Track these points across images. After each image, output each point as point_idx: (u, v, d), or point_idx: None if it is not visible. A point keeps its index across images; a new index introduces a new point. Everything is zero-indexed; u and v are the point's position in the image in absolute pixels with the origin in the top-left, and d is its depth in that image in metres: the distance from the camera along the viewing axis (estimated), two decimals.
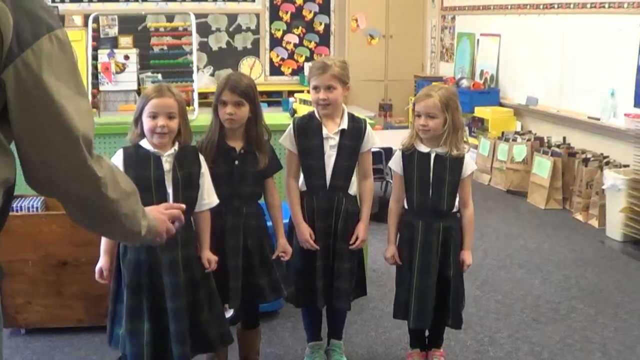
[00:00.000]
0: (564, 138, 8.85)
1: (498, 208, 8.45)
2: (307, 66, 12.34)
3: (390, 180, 5.61)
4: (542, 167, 8.44)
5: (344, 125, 4.24)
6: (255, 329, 4.40)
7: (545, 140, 8.98)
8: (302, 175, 4.32)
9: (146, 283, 3.67)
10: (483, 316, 5.34)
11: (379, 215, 6.24)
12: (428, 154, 4.19)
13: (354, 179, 4.34)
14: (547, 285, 5.98)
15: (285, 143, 4.31)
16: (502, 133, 9.55)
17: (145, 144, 3.72)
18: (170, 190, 3.69)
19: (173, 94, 3.72)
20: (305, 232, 4.22)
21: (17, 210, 4.82)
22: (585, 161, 7.91)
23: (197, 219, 3.89)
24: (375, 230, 5.92)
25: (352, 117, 4.32)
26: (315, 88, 4.20)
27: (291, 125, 4.32)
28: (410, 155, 4.24)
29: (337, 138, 4.23)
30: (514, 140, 9.19)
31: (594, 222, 7.64)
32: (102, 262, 3.75)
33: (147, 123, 3.67)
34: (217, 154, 4.00)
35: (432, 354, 4.56)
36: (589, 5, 8.47)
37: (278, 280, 4.15)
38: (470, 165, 4.27)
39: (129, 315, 3.67)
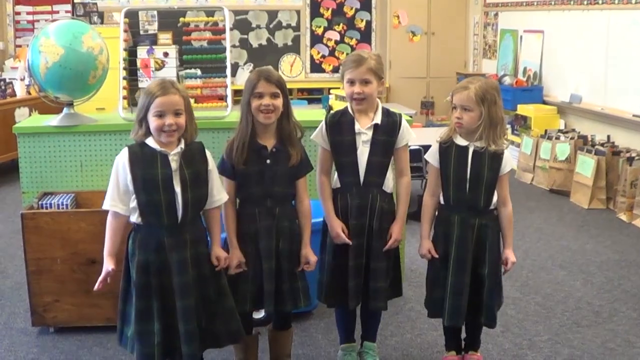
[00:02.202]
0: (608, 136, 8.71)
1: (540, 208, 8.32)
2: None
3: None
4: (586, 166, 8.29)
5: (377, 120, 4.13)
6: (287, 331, 4.32)
7: (589, 139, 8.85)
8: (335, 172, 4.22)
9: (155, 284, 3.63)
10: (522, 319, 5.22)
11: (418, 214, 6.14)
12: (466, 148, 4.08)
13: (390, 175, 4.23)
14: (589, 288, 5.84)
15: (317, 139, 4.21)
16: (545, 131, 9.45)
17: (151, 142, 3.65)
18: (178, 189, 3.62)
19: (178, 90, 3.66)
20: (337, 226, 4.12)
21: (46, 208, 4.80)
22: (630, 160, 7.78)
23: (208, 216, 3.86)
24: (415, 230, 5.80)
25: (386, 112, 4.20)
26: (350, 82, 4.09)
27: (323, 122, 4.22)
28: (447, 148, 4.13)
29: (369, 133, 4.11)
30: (557, 138, 9.07)
31: (639, 223, 7.49)
32: (110, 266, 3.64)
33: (153, 122, 3.59)
34: (248, 154, 3.92)
35: (469, 357, 4.45)
36: (634, 1, 8.29)
37: (299, 289, 4.07)
38: (509, 162, 4.14)
39: (138, 316, 3.63)
